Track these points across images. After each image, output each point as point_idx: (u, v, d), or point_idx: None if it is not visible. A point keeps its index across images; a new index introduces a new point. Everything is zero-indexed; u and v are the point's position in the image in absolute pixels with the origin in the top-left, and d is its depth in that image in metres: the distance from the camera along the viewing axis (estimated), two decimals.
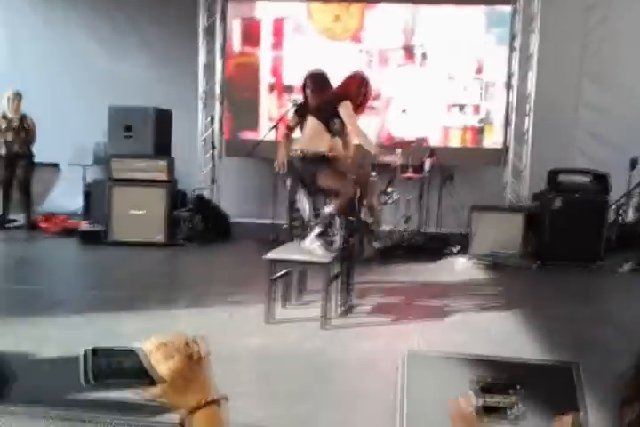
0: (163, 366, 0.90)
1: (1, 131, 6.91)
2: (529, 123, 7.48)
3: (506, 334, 3.91)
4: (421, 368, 1.96)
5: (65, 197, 7.87)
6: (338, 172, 4.16)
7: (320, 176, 4.09)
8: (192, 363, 0.92)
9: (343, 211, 4.12)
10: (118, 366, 0.92)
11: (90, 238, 6.35)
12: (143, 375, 0.92)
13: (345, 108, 4.15)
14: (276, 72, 7.67)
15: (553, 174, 6.19)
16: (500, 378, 1.89)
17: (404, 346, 3.56)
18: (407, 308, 4.47)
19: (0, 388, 2.19)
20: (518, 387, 1.82)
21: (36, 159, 7.15)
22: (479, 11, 7.43)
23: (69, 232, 6.74)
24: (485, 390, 1.86)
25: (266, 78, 7.68)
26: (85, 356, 0.91)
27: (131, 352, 0.92)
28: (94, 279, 5.29)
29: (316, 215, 4.23)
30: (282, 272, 4.20)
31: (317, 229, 4.06)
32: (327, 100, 4.39)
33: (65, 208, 7.66)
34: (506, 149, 7.59)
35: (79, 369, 0.90)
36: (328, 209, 4.12)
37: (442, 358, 2.03)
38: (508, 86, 7.48)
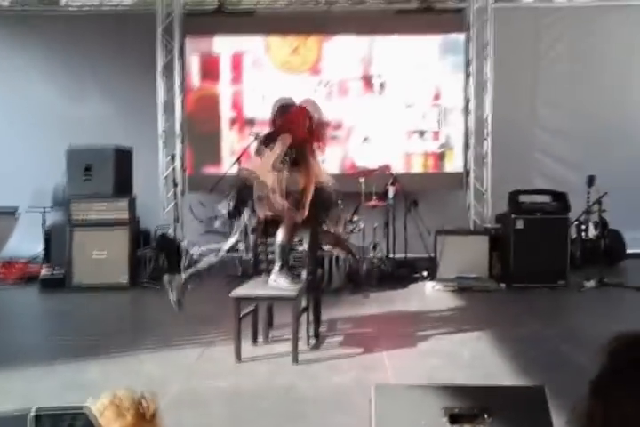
0: None
1: None
2: (487, 146, 7.63)
3: (477, 358, 3.90)
4: (390, 401, 1.93)
5: (24, 242, 7.65)
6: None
7: (260, 204, 4.04)
8: (144, 422, 0.87)
9: (288, 239, 4.07)
10: None
11: (51, 285, 6.18)
12: None
13: (280, 141, 4.14)
14: (236, 106, 7.70)
15: (514, 195, 6.29)
16: (468, 407, 1.87)
17: (376, 377, 3.51)
18: (378, 337, 4.43)
19: None
20: (486, 416, 1.80)
21: None
22: (434, 39, 7.62)
23: (29, 279, 6.55)
24: (454, 420, 1.84)
25: (226, 113, 7.70)
26: (31, 419, 0.86)
27: (79, 413, 0.87)
28: (56, 327, 5.11)
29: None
30: (249, 309, 4.14)
31: (277, 263, 4.02)
32: (273, 131, 4.34)
33: (24, 253, 7.46)
34: (466, 172, 7.71)
35: None
36: (277, 239, 4.06)
37: (410, 389, 2.01)
38: (466, 111, 7.65)
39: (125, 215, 6.31)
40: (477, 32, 7.60)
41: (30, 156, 7.60)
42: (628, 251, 7.02)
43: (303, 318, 4.17)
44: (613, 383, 0.83)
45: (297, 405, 3.23)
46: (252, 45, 7.66)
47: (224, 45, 7.67)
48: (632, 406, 0.80)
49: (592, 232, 6.90)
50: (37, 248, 7.26)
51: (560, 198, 6.22)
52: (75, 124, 7.62)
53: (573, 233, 6.71)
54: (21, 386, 3.47)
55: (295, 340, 3.85)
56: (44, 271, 6.42)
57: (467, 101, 7.63)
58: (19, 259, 7.21)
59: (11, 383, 3.51)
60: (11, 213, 7.46)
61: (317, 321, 4.41)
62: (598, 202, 6.43)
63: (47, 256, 6.86)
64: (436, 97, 7.64)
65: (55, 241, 6.65)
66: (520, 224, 6.07)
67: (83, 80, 7.97)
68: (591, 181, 6.61)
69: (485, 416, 1.81)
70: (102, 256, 6.20)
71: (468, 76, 7.63)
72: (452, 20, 7.61)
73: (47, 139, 7.58)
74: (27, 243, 7.60)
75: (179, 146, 7.79)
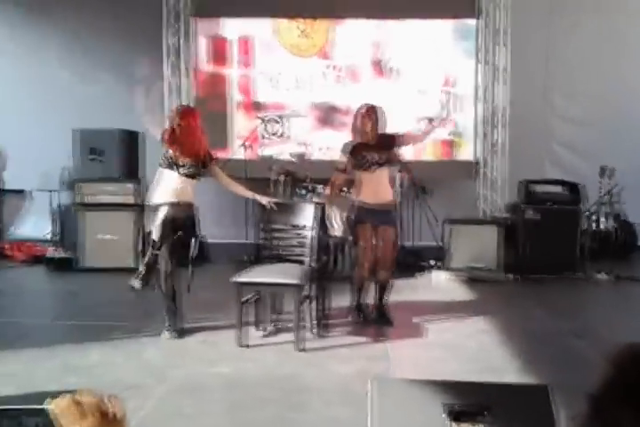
0: None
1: None
2: (500, 135, 7.51)
3: (482, 351, 3.84)
4: (388, 395, 1.88)
5: (33, 223, 7.69)
6: None
7: None
8: (107, 423, 0.82)
9: None
10: None
11: (59, 266, 6.19)
12: None
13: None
14: (244, 90, 7.62)
15: (525, 185, 6.19)
16: (468, 404, 1.81)
17: (380, 367, 3.48)
18: (383, 327, 4.38)
19: None
20: (486, 413, 1.75)
21: (2, 186, 6.98)
22: (446, 24, 7.47)
23: (38, 260, 6.56)
24: (454, 416, 1.79)
25: (235, 96, 7.62)
26: None
27: (40, 412, 0.82)
28: (62, 309, 5.12)
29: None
30: (250, 295, 4.10)
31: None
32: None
33: (33, 235, 7.48)
34: (477, 161, 7.60)
35: None
36: None
37: (409, 383, 1.95)
38: (476, 99, 7.51)
39: (132, 198, 6.28)
40: (490, 18, 7.43)
41: (38, 138, 7.56)
42: None
43: (307, 305, 4.13)
44: (620, 400, 0.77)
45: (299, 394, 3.20)
46: (260, 28, 7.55)
47: (232, 28, 7.56)
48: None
49: (604, 224, 6.80)
50: (46, 229, 7.28)
51: (573, 189, 6.12)
52: (83, 106, 7.57)
53: (585, 224, 6.60)
54: (23, 368, 3.47)
55: (298, 328, 3.82)
56: (52, 252, 6.43)
57: (477, 89, 7.50)
58: (27, 240, 7.24)
59: (13, 365, 3.51)
60: (20, 193, 7.50)
61: (323, 309, 4.38)
62: (610, 193, 6.31)
63: (55, 237, 6.88)
64: (447, 83, 7.51)
65: (63, 222, 6.65)
66: (531, 214, 5.98)
67: (94, 62, 7.90)
68: (603, 171, 6.48)
69: (486, 414, 1.76)
70: (110, 238, 6.19)
71: (479, 62, 7.49)
72: (464, 5, 7.44)
73: (54, 120, 7.54)
74: (36, 225, 7.63)
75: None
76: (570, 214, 5.99)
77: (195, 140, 4.12)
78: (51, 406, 0.82)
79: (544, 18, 7.64)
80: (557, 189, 6.23)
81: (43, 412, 0.83)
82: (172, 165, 4.10)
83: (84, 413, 0.82)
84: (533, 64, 7.63)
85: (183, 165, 4.10)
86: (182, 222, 4.17)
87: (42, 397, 0.84)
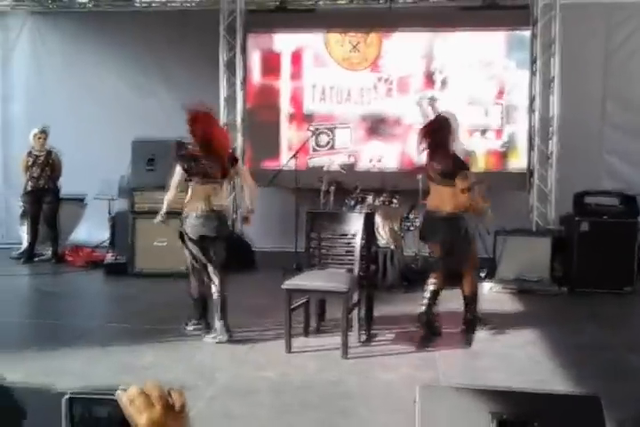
0: (142, 417, 0.86)
1: (27, 167, 7.09)
2: (552, 146, 7.38)
3: (532, 363, 3.78)
4: (436, 402, 1.88)
5: (91, 229, 7.97)
6: None
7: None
8: (172, 414, 0.88)
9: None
10: (96, 416, 0.89)
11: (114, 270, 6.40)
12: (123, 425, 0.88)
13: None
14: (295, 102, 7.75)
15: (579, 197, 6.05)
16: (516, 413, 1.80)
17: (426, 376, 3.47)
18: (431, 336, 4.35)
19: (9, 424, 2.17)
20: (536, 424, 1.73)
21: (63, 193, 7.29)
22: (498, 35, 7.42)
23: (95, 265, 6.81)
24: (502, 425, 1.78)
25: (286, 108, 7.76)
26: (65, 401, 0.89)
27: (111, 401, 0.88)
28: (117, 312, 5.30)
29: None
30: (300, 301, 4.16)
31: None
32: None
33: (91, 241, 7.77)
34: (530, 172, 7.48)
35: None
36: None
37: (457, 391, 1.95)
38: (530, 110, 7.42)
39: None
40: (544, 28, 7.33)
41: (99, 147, 7.89)
42: None
43: (355, 313, 4.15)
44: None
45: (343, 400, 3.22)
46: (312, 42, 7.68)
47: (285, 42, 7.72)
48: None
49: None
50: (104, 236, 7.54)
51: (629, 201, 5.94)
52: (142, 117, 7.86)
53: None
54: (79, 367, 3.62)
55: (345, 334, 3.85)
56: (109, 257, 6.66)
57: (531, 100, 7.40)
58: (86, 245, 7.53)
59: (70, 364, 3.66)
60: (80, 200, 7.80)
61: (369, 317, 4.39)
62: None
63: (112, 244, 7.12)
64: (500, 95, 7.44)
65: (119, 230, 6.88)
66: (585, 227, 5.83)
67: (149, 75, 8.21)
68: None
69: (535, 425, 1.74)
70: (163, 245, 6.37)
71: (533, 73, 7.39)
72: (517, 17, 7.37)
73: (115, 131, 7.86)
74: (94, 231, 7.91)
75: (240, 139, 7.90)
76: (626, 228, 5.81)
77: (213, 143, 4.17)
78: (120, 396, 0.88)
79: (600, 27, 7.49)
80: (613, 201, 6.06)
81: (112, 401, 0.88)
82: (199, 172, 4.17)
83: (151, 403, 0.87)
84: (589, 74, 7.49)
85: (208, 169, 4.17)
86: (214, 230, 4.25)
87: (111, 389, 0.89)
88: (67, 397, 0.88)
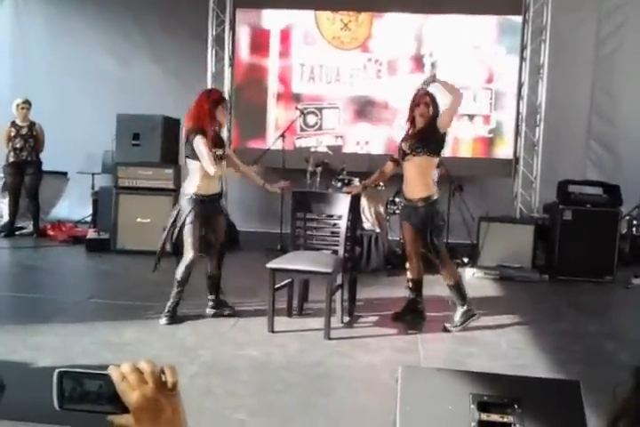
0: (134, 393, 0.85)
1: (10, 138, 6.95)
2: (539, 133, 7.40)
3: (513, 348, 3.83)
4: (417, 383, 1.89)
5: (74, 205, 7.89)
6: None
7: None
8: (165, 392, 0.86)
9: None
10: (88, 391, 0.87)
11: (96, 246, 6.34)
12: (114, 402, 0.86)
13: None
14: (284, 80, 7.66)
15: (563, 185, 6.10)
16: (497, 395, 1.82)
17: (408, 359, 3.49)
18: (413, 320, 4.39)
19: None
20: (516, 406, 1.75)
21: (45, 167, 7.17)
22: (489, 20, 7.39)
23: (77, 240, 6.74)
24: (482, 407, 1.79)
25: (274, 87, 7.67)
26: (56, 377, 0.87)
27: (102, 376, 0.87)
28: (98, 288, 5.26)
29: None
30: (284, 282, 4.16)
31: None
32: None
33: (74, 216, 7.68)
34: (516, 159, 7.51)
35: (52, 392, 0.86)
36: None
37: (438, 373, 1.97)
38: (519, 96, 7.42)
39: (170, 183, 6.39)
40: (535, 15, 7.30)
41: (82, 121, 7.75)
42: None
43: (338, 295, 4.17)
44: None
45: (324, 380, 3.24)
46: (301, 19, 7.57)
47: (274, 19, 7.60)
48: None
49: None
50: (86, 212, 7.46)
51: (612, 191, 6.00)
52: (127, 91, 7.74)
53: (623, 228, 6.48)
54: (59, 342, 3.59)
55: (328, 316, 3.86)
56: (91, 233, 6.60)
57: (520, 86, 7.40)
58: (67, 221, 7.44)
59: (50, 339, 3.63)
60: (62, 174, 7.70)
61: (352, 299, 4.41)
62: None
63: (94, 219, 7.05)
64: (489, 80, 7.43)
65: (102, 205, 6.81)
66: (568, 215, 5.88)
67: (136, 48, 8.07)
68: None
69: (516, 407, 1.76)
70: (146, 222, 6.31)
71: (523, 59, 7.38)
72: (509, 2, 7.34)
73: (99, 105, 7.72)
74: (76, 206, 7.84)
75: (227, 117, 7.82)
76: (609, 217, 5.87)
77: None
78: (112, 371, 0.86)
79: (591, 15, 7.48)
80: (597, 190, 6.11)
81: (104, 376, 0.87)
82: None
83: (144, 380, 0.86)
84: (578, 62, 7.50)
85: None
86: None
87: (105, 369, 0.88)
88: (58, 371, 0.86)
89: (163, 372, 0.88)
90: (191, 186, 4.11)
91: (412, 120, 4.21)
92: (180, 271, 4.12)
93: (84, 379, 0.87)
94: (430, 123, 4.09)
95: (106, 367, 0.86)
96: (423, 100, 4.09)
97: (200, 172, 4.06)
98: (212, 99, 4.07)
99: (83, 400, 0.86)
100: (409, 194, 4.22)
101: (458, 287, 4.13)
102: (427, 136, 4.10)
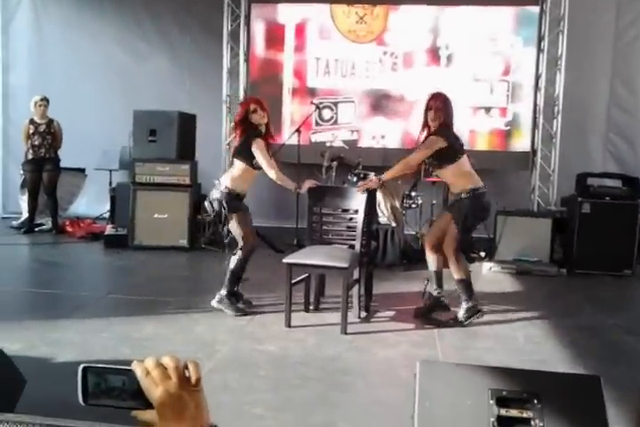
0: (159, 388, 0.85)
1: (28, 135, 7.02)
2: (557, 125, 7.32)
3: (531, 343, 3.80)
4: (436, 378, 1.88)
5: (92, 201, 7.96)
6: None
7: None
8: (189, 386, 0.87)
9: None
10: (112, 387, 0.87)
11: (114, 242, 6.39)
12: (138, 397, 0.87)
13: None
14: (299, 75, 7.65)
15: (582, 178, 6.03)
16: (516, 391, 1.80)
17: (425, 354, 3.48)
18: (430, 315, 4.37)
19: (7, 394, 2.18)
20: (536, 401, 1.73)
21: (64, 164, 7.24)
22: (506, 11, 7.30)
23: (95, 236, 6.81)
24: (501, 402, 1.78)
25: (289, 82, 7.66)
26: (80, 373, 0.87)
27: (127, 372, 0.87)
28: (116, 284, 5.31)
29: None
30: (301, 277, 4.16)
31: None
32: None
33: (92, 212, 7.76)
34: (533, 152, 7.43)
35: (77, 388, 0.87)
36: None
37: (457, 367, 1.95)
38: (536, 88, 7.33)
39: (187, 179, 6.42)
40: (553, 5, 7.20)
41: (100, 118, 7.81)
42: None
43: (355, 290, 4.16)
44: None
45: (342, 375, 3.24)
46: (316, 13, 7.54)
47: (289, 13, 7.58)
48: None
49: None
50: (104, 208, 7.53)
51: (632, 183, 5.92)
52: (143, 88, 7.78)
53: None
54: (79, 337, 3.63)
55: (345, 311, 3.86)
56: (109, 229, 6.65)
57: (537, 78, 7.31)
58: (85, 217, 7.52)
59: (69, 334, 3.67)
60: (80, 171, 7.76)
61: (369, 294, 4.40)
62: None
63: (112, 215, 7.11)
64: (506, 72, 7.35)
65: (120, 201, 6.86)
66: (587, 208, 5.82)
67: (152, 44, 8.09)
68: None
69: (535, 402, 1.74)
70: (163, 217, 6.36)
71: (540, 50, 7.29)
72: None
73: (116, 101, 7.78)
74: (94, 203, 7.91)
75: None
76: (627, 210, 5.79)
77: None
78: (136, 366, 0.86)
79: (610, 4, 7.37)
80: (616, 183, 6.03)
81: (128, 372, 0.87)
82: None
83: (167, 375, 0.86)
84: (597, 53, 7.39)
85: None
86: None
87: (126, 364, 0.88)
88: (82, 366, 0.86)
89: (186, 367, 0.88)
90: (231, 182, 4.20)
91: (426, 126, 4.16)
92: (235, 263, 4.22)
93: (108, 374, 0.87)
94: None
95: (125, 362, 0.87)
96: (434, 104, 4.05)
97: (244, 172, 4.18)
98: (244, 109, 4.21)
99: (106, 396, 0.87)
100: (453, 189, 4.20)
101: (467, 283, 4.09)
102: (440, 150, 4.01)
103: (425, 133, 4.17)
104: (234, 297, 4.25)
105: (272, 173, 4.09)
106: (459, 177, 4.09)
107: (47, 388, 2.64)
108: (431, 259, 4.25)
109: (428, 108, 4.09)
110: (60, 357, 3.29)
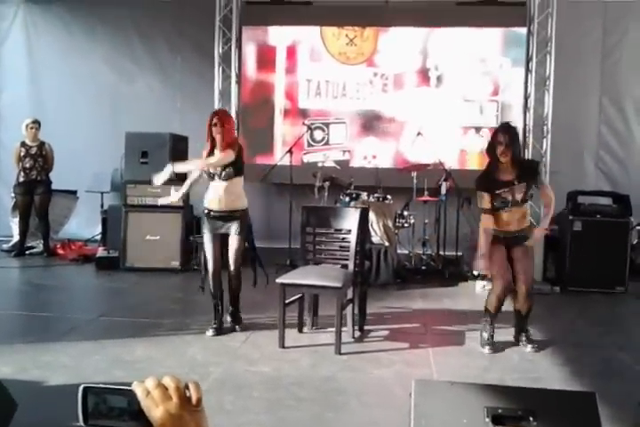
0: (159, 409, 0.85)
1: (19, 158, 7.02)
2: (547, 145, 7.40)
3: (526, 361, 3.78)
4: (431, 396, 1.88)
5: (83, 223, 7.94)
6: None
7: None
8: (190, 407, 0.86)
9: None
10: (112, 407, 0.87)
11: (106, 265, 6.36)
12: (139, 418, 0.86)
13: None
14: (290, 97, 7.72)
15: (573, 196, 6.07)
16: (512, 408, 1.80)
17: (419, 373, 3.46)
18: (424, 334, 4.36)
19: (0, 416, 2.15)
20: (531, 419, 1.73)
21: (55, 186, 7.23)
22: (494, 33, 7.43)
23: (87, 259, 6.77)
24: (497, 420, 1.77)
25: (280, 103, 7.73)
26: (80, 394, 0.86)
27: (127, 392, 0.86)
28: (108, 306, 5.26)
29: None
30: (295, 297, 4.15)
31: None
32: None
33: (83, 235, 7.72)
34: None
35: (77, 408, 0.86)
36: None
37: (452, 386, 1.95)
38: (525, 108, 7.43)
39: (179, 201, 6.39)
40: (540, 26, 7.34)
41: (91, 140, 7.83)
42: None
43: (349, 309, 4.15)
44: None
45: (337, 395, 3.21)
46: (307, 36, 7.65)
47: (280, 36, 7.69)
48: None
49: None
50: (96, 230, 7.50)
51: (622, 201, 5.97)
52: (134, 110, 7.82)
53: (635, 238, 6.43)
54: (71, 360, 3.59)
55: (339, 331, 3.84)
56: (101, 251, 6.62)
57: (526, 98, 7.41)
58: (77, 239, 7.48)
59: (61, 357, 3.63)
60: (72, 193, 7.75)
61: (363, 314, 4.39)
62: None
63: (104, 238, 7.08)
64: (495, 92, 7.46)
65: (112, 223, 6.84)
66: (578, 226, 5.85)
67: (143, 67, 8.16)
68: None
69: (531, 419, 1.73)
70: (155, 239, 6.33)
71: (529, 71, 7.40)
72: (514, 13, 7.38)
73: (107, 124, 7.82)
74: (85, 225, 7.88)
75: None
76: (619, 227, 5.83)
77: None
78: (136, 387, 0.86)
79: (597, 25, 7.51)
80: (607, 200, 6.08)
81: (129, 392, 0.86)
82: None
83: (168, 396, 0.85)
84: (585, 72, 7.51)
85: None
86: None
87: (126, 385, 0.87)
88: (82, 386, 0.86)
89: (187, 387, 0.87)
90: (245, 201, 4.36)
91: (493, 161, 3.91)
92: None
93: (109, 395, 0.86)
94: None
95: (120, 385, 0.86)
96: (501, 139, 3.80)
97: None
98: (208, 120, 4.27)
99: (107, 416, 0.86)
100: (515, 228, 3.98)
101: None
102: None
103: (492, 170, 3.94)
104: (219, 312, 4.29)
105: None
106: (525, 216, 4.07)
107: (38, 412, 2.60)
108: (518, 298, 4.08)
109: (497, 143, 3.82)
110: (52, 380, 3.25)
